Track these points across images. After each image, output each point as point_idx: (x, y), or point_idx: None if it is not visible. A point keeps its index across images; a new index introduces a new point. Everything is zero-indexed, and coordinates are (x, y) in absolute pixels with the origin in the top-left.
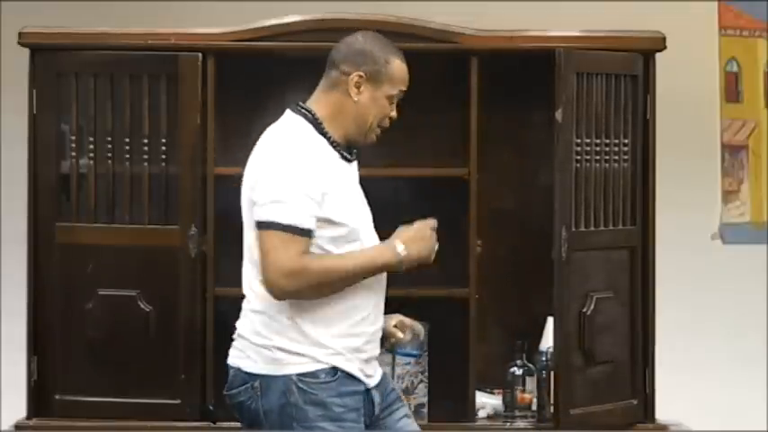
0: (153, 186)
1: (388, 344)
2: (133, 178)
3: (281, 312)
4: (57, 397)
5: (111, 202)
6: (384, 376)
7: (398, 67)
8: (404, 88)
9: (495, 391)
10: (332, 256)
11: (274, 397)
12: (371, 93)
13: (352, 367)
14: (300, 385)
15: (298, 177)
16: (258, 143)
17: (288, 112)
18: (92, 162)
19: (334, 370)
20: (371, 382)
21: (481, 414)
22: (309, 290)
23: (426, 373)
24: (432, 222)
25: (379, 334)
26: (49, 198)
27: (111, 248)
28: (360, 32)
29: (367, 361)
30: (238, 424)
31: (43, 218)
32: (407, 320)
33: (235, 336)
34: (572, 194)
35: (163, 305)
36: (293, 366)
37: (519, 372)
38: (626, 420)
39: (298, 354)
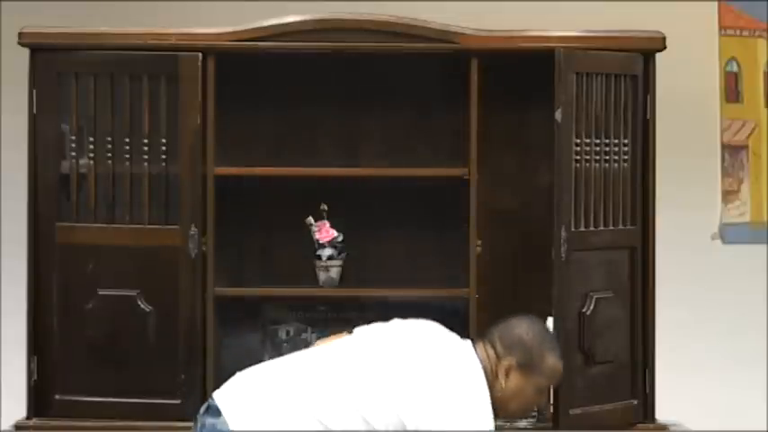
0: (153, 186)
1: None
2: (133, 178)
3: None
4: (57, 397)
5: (111, 202)
6: None
7: (553, 363)
8: (555, 385)
9: None
10: None
11: None
12: (519, 382)
13: None
14: None
15: None
16: (440, 359)
17: (470, 347)
18: (92, 162)
19: None
20: None
21: None
22: None
23: None
24: None
25: None
26: (49, 198)
27: (111, 248)
28: (526, 320)
29: None
30: None
31: (43, 218)
32: None
33: (254, 413)
34: (572, 194)
35: (163, 305)
36: None
37: None
38: (626, 420)
39: None
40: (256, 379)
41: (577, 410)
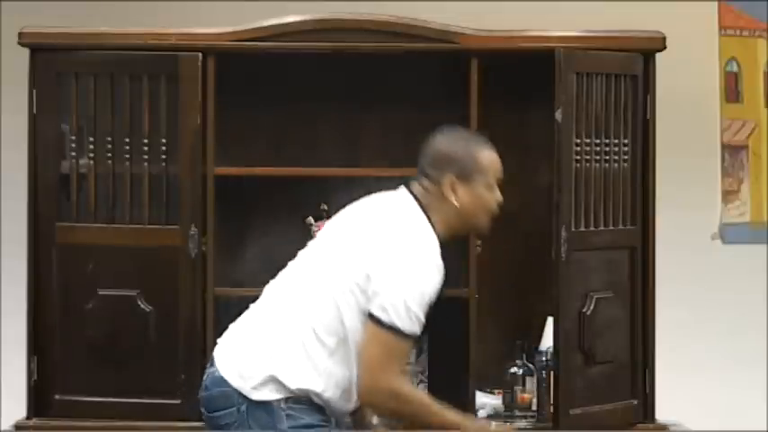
0: (153, 186)
1: None
2: (133, 178)
3: (316, 359)
4: (57, 397)
5: (111, 202)
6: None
7: (487, 157)
8: (499, 175)
9: (495, 391)
10: (426, 397)
11: (264, 424)
12: (467, 190)
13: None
14: (288, 411)
15: (429, 284)
16: (376, 210)
17: (404, 191)
18: (92, 162)
19: (311, 400)
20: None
21: (481, 414)
22: (391, 410)
23: (426, 373)
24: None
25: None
26: (49, 198)
27: (111, 248)
28: (439, 133)
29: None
30: None
31: (43, 218)
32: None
33: (236, 349)
34: (572, 194)
35: (163, 305)
36: (278, 393)
37: (519, 372)
38: (626, 420)
39: (293, 383)
40: (240, 324)
41: (577, 410)
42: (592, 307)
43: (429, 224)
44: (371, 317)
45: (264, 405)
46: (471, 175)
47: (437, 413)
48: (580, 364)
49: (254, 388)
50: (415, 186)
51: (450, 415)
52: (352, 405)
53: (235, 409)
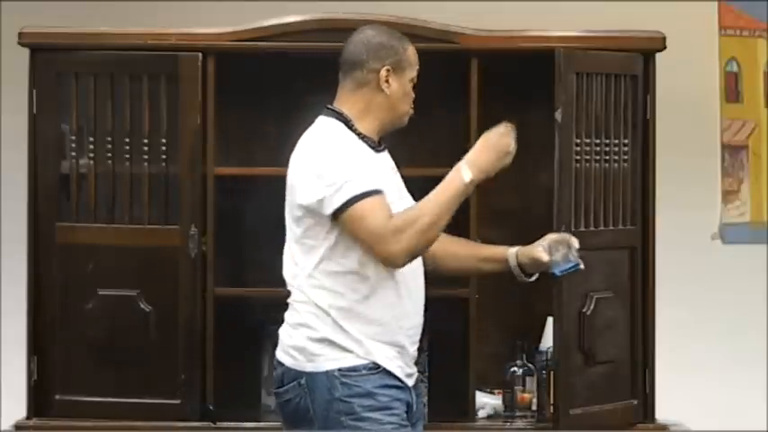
0: (153, 186)
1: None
2: (133, 178)
3: (320, 309)
4: (57, 397)
5: (111, 202)
6: (420, 383)
7: (412, 51)
8: (417, 69)
9: (495, 391)
10: (414, 206)
11: (321, 393)
12: (399, 82)
13: (392, 365)
14: (343, 380)
15: (344, 160)
16: (296, 149)
17: (320, 116)
18: (92, 162)
19: (376, 365)
20: (410, 382)
21: (481, 414)
22: (420, 240)
23: (426, 373)
24: (504, 130)
25: (418, 330)
26: (49, 198)
27: (111, 248)
28: (367, 27)
29: (405, 359)
30: (238, 424)
31: (43, 218)
32: (553, 236)
33: (281, 332)
34: (572, 194)
35: (163, 305)
36: (333, 362)
37: (519, 372)
38: (626, 420)
39: (338, 349)
40: None
41: (577, 410)
42: (592, 307)
43: (339, 123)
44: (335, 216)
45: (320, 376)
46: (402, 66)
47: (439, 192)
48: (580, 364)
49: (309, 361)
50: (339, 102)
51: (447, 188)
52: (403, 329)
53: (296, 383)
